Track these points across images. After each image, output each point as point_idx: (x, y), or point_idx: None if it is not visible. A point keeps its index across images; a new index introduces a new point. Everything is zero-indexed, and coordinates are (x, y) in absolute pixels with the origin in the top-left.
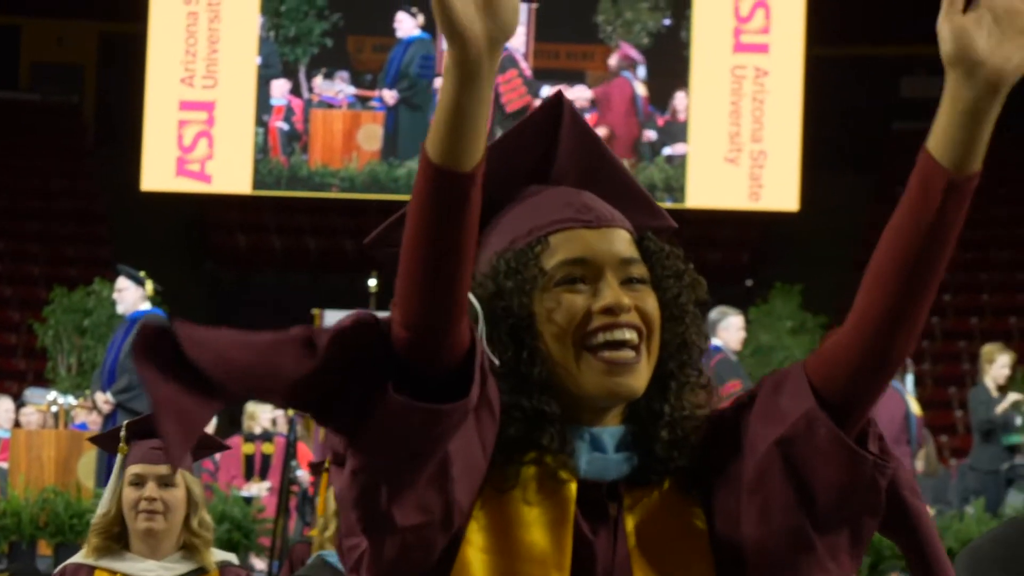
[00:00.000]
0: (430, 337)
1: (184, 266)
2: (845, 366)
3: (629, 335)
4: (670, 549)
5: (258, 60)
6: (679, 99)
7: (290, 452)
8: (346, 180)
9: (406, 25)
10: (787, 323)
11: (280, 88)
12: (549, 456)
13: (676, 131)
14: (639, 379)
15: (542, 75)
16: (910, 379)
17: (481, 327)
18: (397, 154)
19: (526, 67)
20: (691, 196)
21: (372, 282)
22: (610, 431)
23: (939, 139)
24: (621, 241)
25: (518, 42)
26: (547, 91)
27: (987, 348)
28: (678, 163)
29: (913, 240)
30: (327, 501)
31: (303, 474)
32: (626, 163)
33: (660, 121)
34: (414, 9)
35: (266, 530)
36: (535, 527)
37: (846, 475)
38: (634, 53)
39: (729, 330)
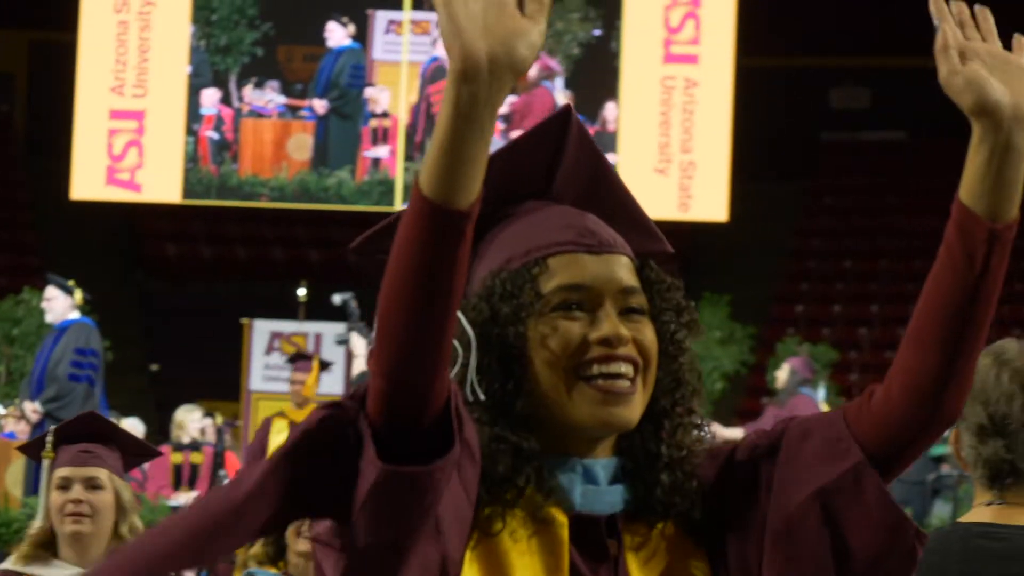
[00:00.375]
0: (413, 387)
1: (114, 275)
2: (894, 425)
3: (625, 368)
4: None
5: (188, 69)
6: (609, 109)
7: (218, 462)
8: (276, 190)
9: (337, 35)
10: (716, 333)
11: (210, 97)
12: (535, 494)
13: (606, 141)
14: (633, 411)
15: None
16: (822, 390)
17: (473, 357)
18: (327, 163)
19: None
20: None
21: (301, 291)
22: (602, 463)
23: (973, 190)
24: (622, 269)
25: None
26: None
27: None
28: None
29: (958, 295)
30: None
31: None
32: None
33: (590, 131)
34: (345, 19)
35: None
36: (530, 573)
37: (888, 537)
38: (553, 64)
39: None
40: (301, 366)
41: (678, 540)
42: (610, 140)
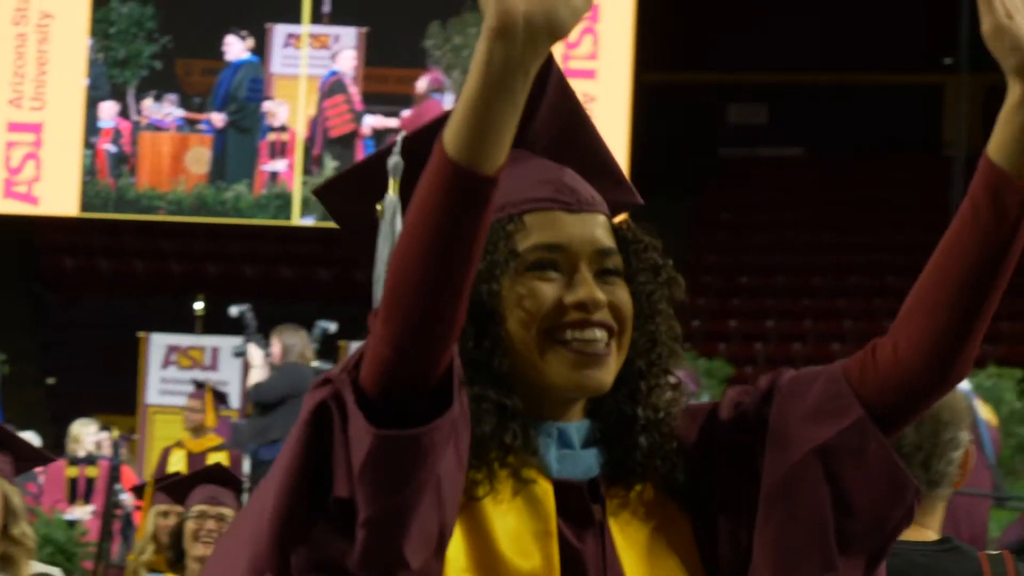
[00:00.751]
0: (422, 355)
1: (11, 288)
2: (902, 383)
3: (600, 334)
4: (660, 559)
5: (86, 82)
6: None
7: (114, 475)
8: (173, 203)
9: (235, 48)
10: None
11: (108, 110)
12: (513, 456)
13: None
14: (608, 373)
15: (371, 99)
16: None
17: None
18: (225, 177)
19: (355, 92)
20: None
21: (198, 305)
22: (576, 426)
23: (1009, 150)
24: (600, 228)
25: (348, 67)
26: (371, 120)
27: None
28: None
29: (982, 256)
30: (145, 526)
31: (127, 497)
32: None
33: None
34: (244, 32)
35: (89, 553)
36: (518, 541)
37: (889, 495)
38: (442, 77)
39: None
40: (197, 393)
41: (659, 503)
42: None
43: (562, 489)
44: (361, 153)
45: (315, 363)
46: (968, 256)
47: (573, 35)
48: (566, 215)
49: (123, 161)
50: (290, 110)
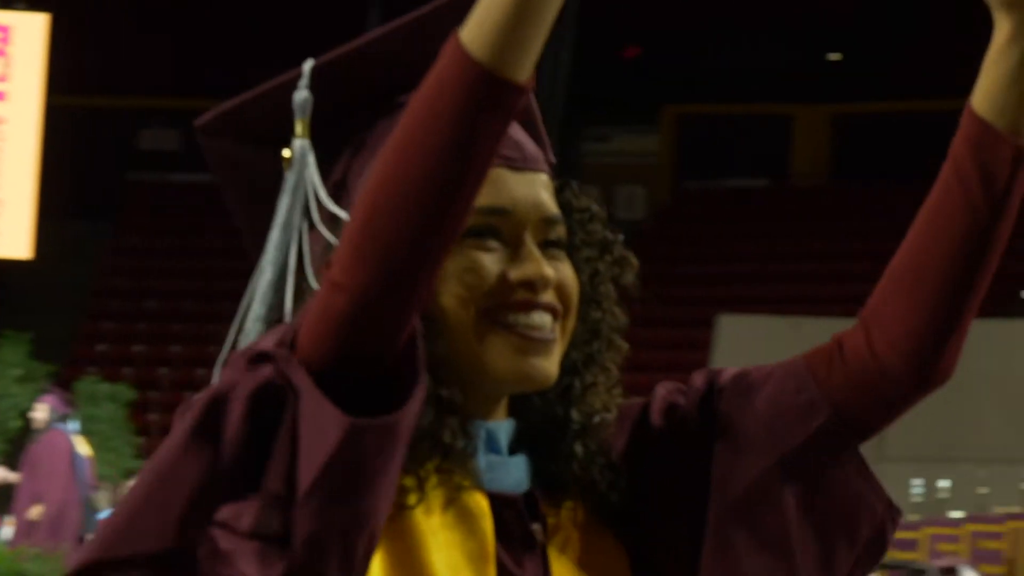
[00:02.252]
0: (393, 311)
1: None
2: (876, 384)
3: (547, 318)
4: None
5: None
6: None
7: None
8: None
9: None
10: (15, 371)
11: None
12: (446, 460)
13: None
14: (554, 362)
15: None
16: (74, 422)
17: None
18: None
19: None
20: None
21: None
22: (504, 427)
23: (995, 102)
24: (546, 191)
25: None
26: None
27: None
28: None
29: (973, 227)
30: None
31: None
32: None
33: None
34: None
35: None
36: (451, 563)
37: (859, 512)
38: None
39: None
40: None
41: (591, 527)
42: None
43: (497, 503)
44: None
45: None
46: (952, 229)
47: None
48: (509, 173)
49: None
50: None
